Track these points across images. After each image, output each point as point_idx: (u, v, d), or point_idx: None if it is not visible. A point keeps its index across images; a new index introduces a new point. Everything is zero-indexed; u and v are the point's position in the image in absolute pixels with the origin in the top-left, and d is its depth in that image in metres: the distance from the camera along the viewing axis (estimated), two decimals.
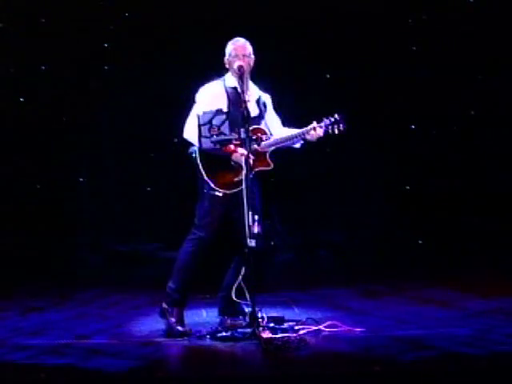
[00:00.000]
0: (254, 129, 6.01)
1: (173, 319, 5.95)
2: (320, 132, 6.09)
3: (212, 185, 6.01)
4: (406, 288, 7.48)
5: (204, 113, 5.96)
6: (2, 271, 8.14)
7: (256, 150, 6.01)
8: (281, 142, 6.13)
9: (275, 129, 6.26)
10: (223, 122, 5.88)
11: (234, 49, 6.08)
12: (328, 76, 8.99)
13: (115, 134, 8.92)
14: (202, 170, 6.04)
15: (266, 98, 6.30)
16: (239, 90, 5.99)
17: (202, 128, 5.91)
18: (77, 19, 8.57)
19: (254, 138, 5.98)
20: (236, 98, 6.06)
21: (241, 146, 5.89)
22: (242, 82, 6.01)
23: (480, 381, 4.96)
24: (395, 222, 9.14)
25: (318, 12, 8.72)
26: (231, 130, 5.87)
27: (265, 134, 6.10)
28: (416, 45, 9.00)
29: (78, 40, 8.59)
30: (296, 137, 6.13)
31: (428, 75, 8.98)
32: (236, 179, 6.01)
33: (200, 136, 5.91)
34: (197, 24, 8.56)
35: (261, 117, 6.16)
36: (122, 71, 8.75)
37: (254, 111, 6.11)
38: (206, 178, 6.02)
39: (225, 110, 6.08)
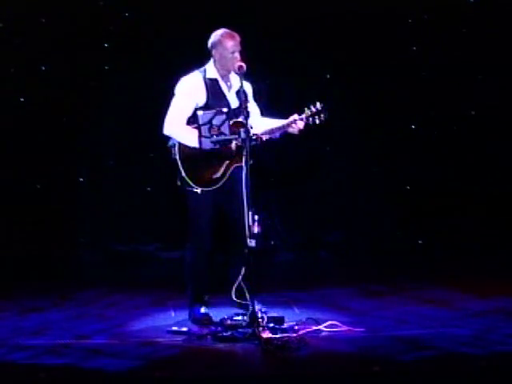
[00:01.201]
0: (234, 122, 5.97)
1: (196, 314, 6.19)
2: (301, 125, 6.05)
3: (189, 181, 6.03)
4: (406, 288, 7.47)
5: (204, 113, 5.98)
6: (2, 271, 8.14)
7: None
8: (262, 135, 6.10)
9: (254, 119, 6.23)
10: (223, 122, 5.88)
11: (231, 45, 6.06)
12: (328, 76, 8.99)
13: (115, 133, 8.92)
14: (180, 166, 6.06)
15: (247, 88, 6.25)
16: (223, 86, 6.01)
17: (202, 128, 5.91)
18: (77, 19, 8.57)
19: (254, 137, 5.99)
20: (215, 90, 6.09)
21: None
22: (242, 80, 6.01)
23: (480, 381, 4.96)
24: (395, 222, 9.14)
25: (317, 11, 8.71)
26: None
27: (243, 126, 6.07)
28: (416, 45, 9.00)
29: (77, 40, 8.58)
30: (277, 130, 6.11)
31: (428, 75, 8.98)
32: (214, 176, 6.04)
33: (200, 136, 5.92)
34: (198, 24, 8.54)
35: (240, 107, 6.06)
36: (121, 71, 8.75)
37: (233, 103, 6.11)
38: (183, 174, 6.04)
39: (203, 101, 6.10)
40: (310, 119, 6.03)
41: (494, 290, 7.11)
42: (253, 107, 6.30)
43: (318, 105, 6.03)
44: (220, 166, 6.03)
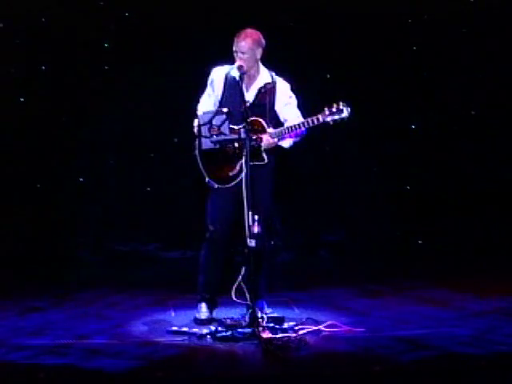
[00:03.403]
0: (251, 120, 5.98)
1: (198, 312, 6.24)
2: (270, 139, 6.05)
3: (207, 177, 6.07)
4: (406, 288, 7.48)
5: (204, 113, 6.01)
6: (1, 271, 8.14)
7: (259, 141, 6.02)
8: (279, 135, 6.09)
9: (289, 121, 6.19)
10: (223, 122, 5.89)
11: (235, 45, 6.11)
12: (328, 76, 8.99)
13: (115, 133, 8.91)
14: (199, 161, 6.09)
15: (281, 87, 6.23)
16: (240, 84, 6.01)
17: (202, 128, 5.93)
18: (77, 19, 8.57)
19: (254, 138, 5.99)
20: (233, 88, 6.09)
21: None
22: (242, 80, 6.03)
23: (480, 381, 4.96)
24: (395, 222, 9.14)
25: (318, 12, 8.72)
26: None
27: (261, 125, 6.08)
28: (416, 45, 9.00)
29: (78, 40, 8.58)
30: (295, 129, 6.06)
31: (428, 75, 8.98)
32: (231, 173, 6.04)
33: (200, 136, 5.94)
34: (197, 24, 8.56)
35: (259, 105, 6.09)
36: (122, 71, 8.75)
37: (250, 99, 6.10)
38: (202, 168, 6.07)
39: (219, 96, 6.13)
40: (329, 118, 5.98)
41: (494, 290, 7.11)
42: (285, 108, 6.22)
43: (341, 104, 6.00)
44: (236, 163, 6.02)
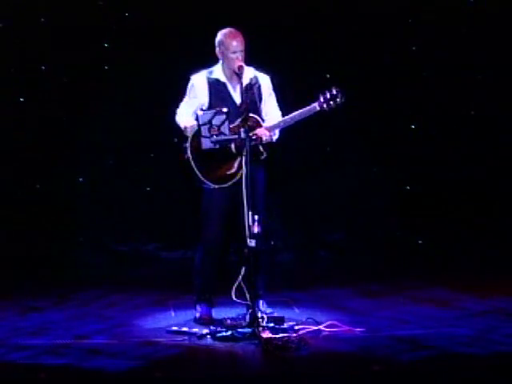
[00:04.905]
0: (244, 118, 5.97)
1: (197, 312, 6.24)
2: (267, 133, 6.03)
3: (203, 179, 6.03)
4: (406, 288, 7.48)
5: (204, 113, 5.99)
6: (2, 271, 8.14)
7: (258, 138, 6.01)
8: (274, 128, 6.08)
9: (269, 114, 6.20)
10: (223, 122, 5.88)
11: (232, 45, 6.04)
12: (328, 76, 8.99)
13: (115, 133, 8.91)
14: (193, 163, 6.05)
15: (263, 82, 6.21)
16: (229, 86, 6.02)
17: (202, 128, 5.92)
18: (77, 19, 8.57)
19: (253, 137, 5.98)
20: (219, 91, 6.09)
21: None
22: (242, 80, 6.01)
23: (480, 381, 4.96)
24: (395, 222, 9.13)
25: (317, 11, 8.72)
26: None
27: (256, 121, 6.06)
28: (416, 45, 9.00)
29: (78, 40, 8.58)
30: (290, 121, 6.05)
31: (428, 75, 8.97)
32: (229, 172, 6.03)
33: (200, 136, 5.93)
34: (197, 23, 8.55)
35: (250, 102, 6.01)
36: (121, 71, 8.75)
37: (238, 99, 6.09)
38: (197, 171, 6.04)
39: (206, 102, 6.12)
40: (325, 105, 5.98)
41: (494, 290, 7.11)
42: (268, 102, 6.22)
43: (334, 90, 5.98)
44: (234, 161, 6.01)
